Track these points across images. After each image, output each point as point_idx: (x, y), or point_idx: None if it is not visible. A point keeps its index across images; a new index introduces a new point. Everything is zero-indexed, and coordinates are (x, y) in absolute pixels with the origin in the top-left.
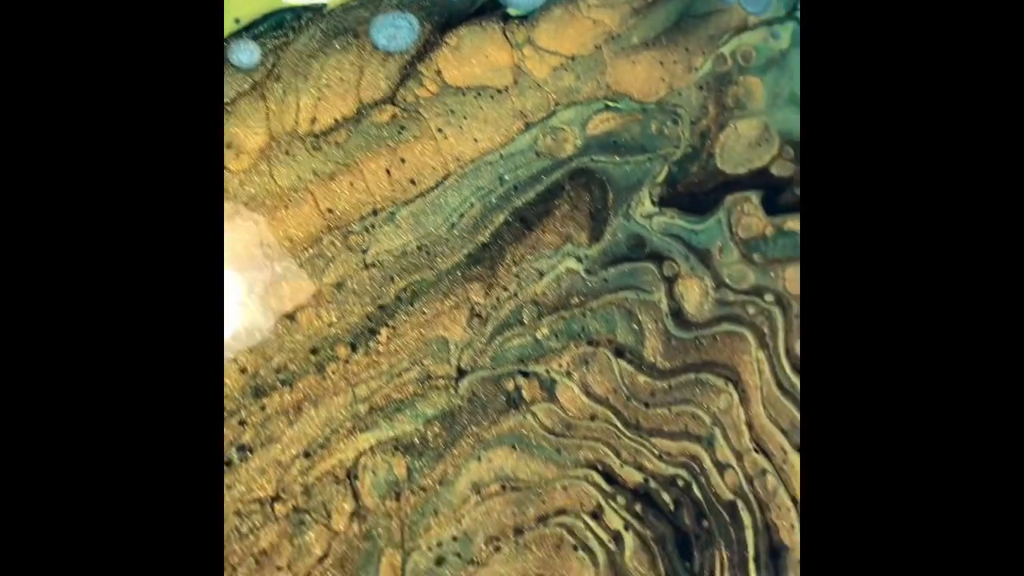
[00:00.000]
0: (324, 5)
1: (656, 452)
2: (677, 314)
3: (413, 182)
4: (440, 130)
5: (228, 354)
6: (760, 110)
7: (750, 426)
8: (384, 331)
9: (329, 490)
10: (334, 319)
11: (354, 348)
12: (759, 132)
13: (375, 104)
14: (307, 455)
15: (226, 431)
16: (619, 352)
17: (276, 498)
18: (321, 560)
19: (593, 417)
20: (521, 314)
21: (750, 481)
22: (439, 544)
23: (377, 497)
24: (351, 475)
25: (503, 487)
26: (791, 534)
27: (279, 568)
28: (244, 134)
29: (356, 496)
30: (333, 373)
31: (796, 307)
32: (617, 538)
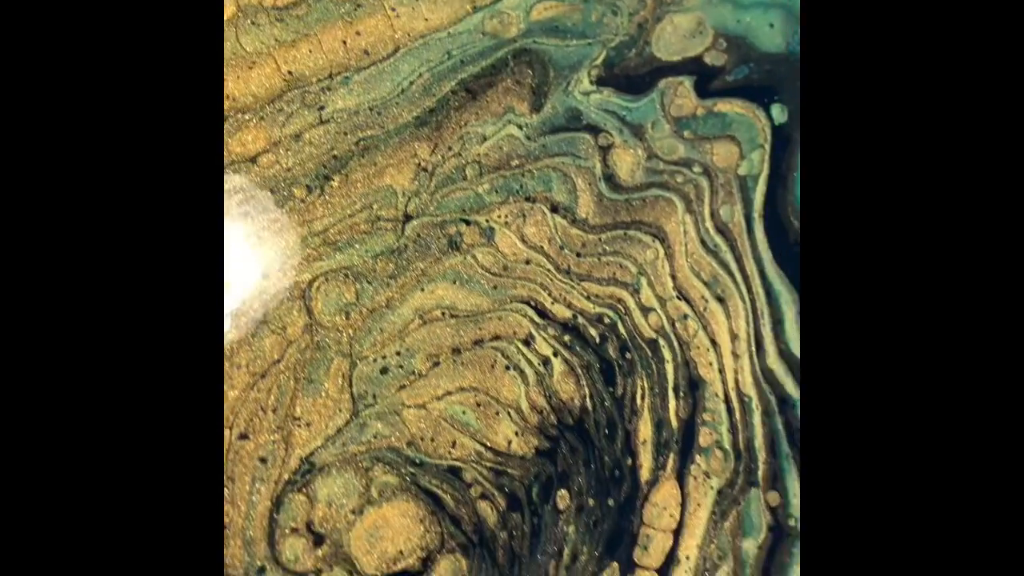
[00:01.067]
0: None
1: (585, 294)
2: (610, 179)
3: (367, 52)
4: (393, 9)
5: None
6: (696, 6)
7: (674, 277)
8: (337, 178)
9: (285, 306)
10: (291, 164)
11: (309, 190)
12: (694, 25)
13: None
14: (264, 276)
15: None
16: (554, 208)
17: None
18: (276, 363)
19: (528, 261)
20: (464, 171)
21: (672, 323)
22: (383, 357)
23: (328, 315)
24: (305, 295)
25: (443, 314)
26: (709, 370)
27: (238, 366)
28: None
29: (310, 312)
30: (290, 211)
31: (723, 178)
32: (546, 362)
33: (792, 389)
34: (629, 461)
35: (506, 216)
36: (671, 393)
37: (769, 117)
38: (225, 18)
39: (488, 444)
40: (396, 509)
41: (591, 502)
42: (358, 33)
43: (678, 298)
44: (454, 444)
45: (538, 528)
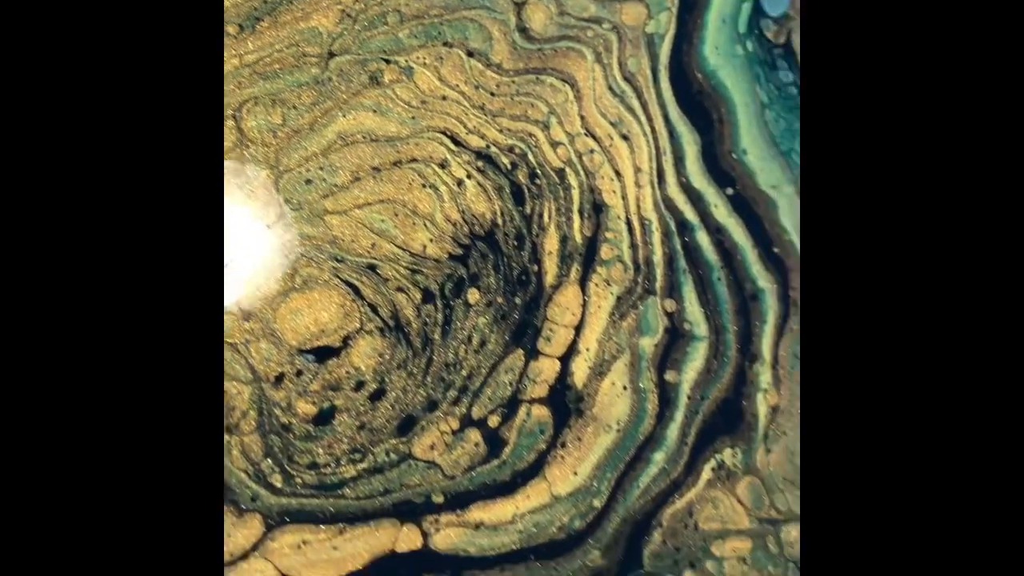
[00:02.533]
0: None
1: (498, 127)
2: (523, 31)
3: None
4: None
5: None
6: None
7: (582, 117)
8: (266, 19)
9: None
10: (227, 7)
11: (241, 29)
12: None
13: None
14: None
15: None
16: (470, 53)
17: None
18: None
19: (444, 98)
20: (386, 18)
21: (579, 156)
22: (308, 171)
23: (257, 133)
24: (236, 116)
25: (364, 138)
26: (612, 197)
27: None
28: None
29: (240, 130)
30: (225, 46)
31: (631, 35)
32: (460, 183)
33: (691, 216)
34: (535, 268)
35: (424, 58)
36: (576, 214)
37: None
38: None
39: (405, 247)
40: (319, 295)
41: (499, 299)
42: None
43: (585, 135)
44: (373, 246)
45: (449, 318)
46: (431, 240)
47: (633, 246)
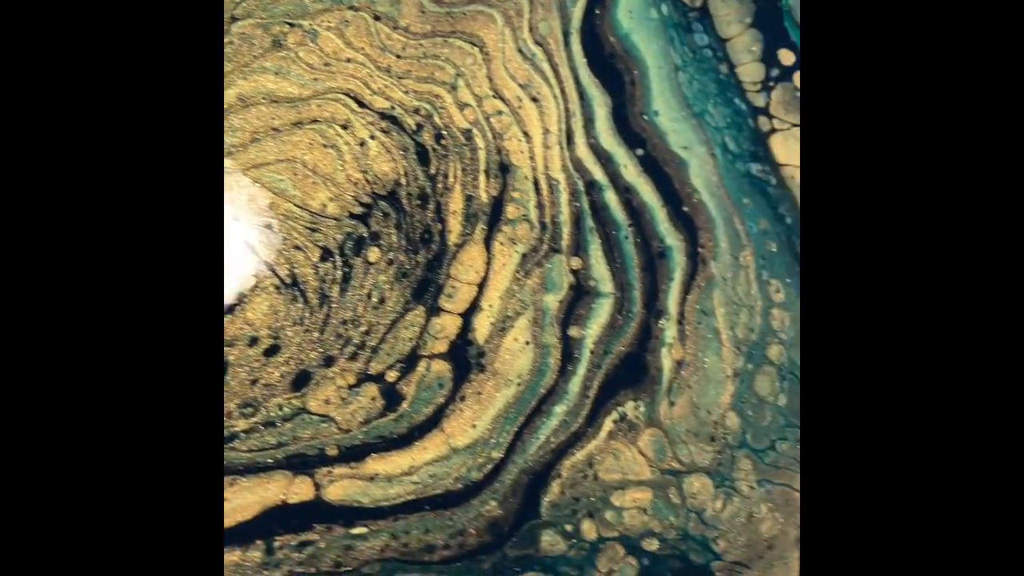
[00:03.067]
0: None
1: (403, 89)
2: None
3: None
4: None
5: None
6: None
7: (490, 79)
8: None
9: None
10: None
11: None
12: None
13: None
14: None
15: None
16: (377, 17)
17: None
18: None
19: (348, 60)
20: None
21: (487, 118)
22: None
23: None
24: None
25: (264, 99)
26: (520, 158)
27: None
28: None
29: None
30: None
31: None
32: (363, 143)
33: (600, 176)
34: (439, 227)
35: (329, 22)
36: (482, 174)
37: None
38: None
39: (304, 207)
40: None
41: (401, 258)
42: None
43: (494, 96)
44: (271, 205)
45: (348, 275)
46: (331, 199)
47: (540, 205)
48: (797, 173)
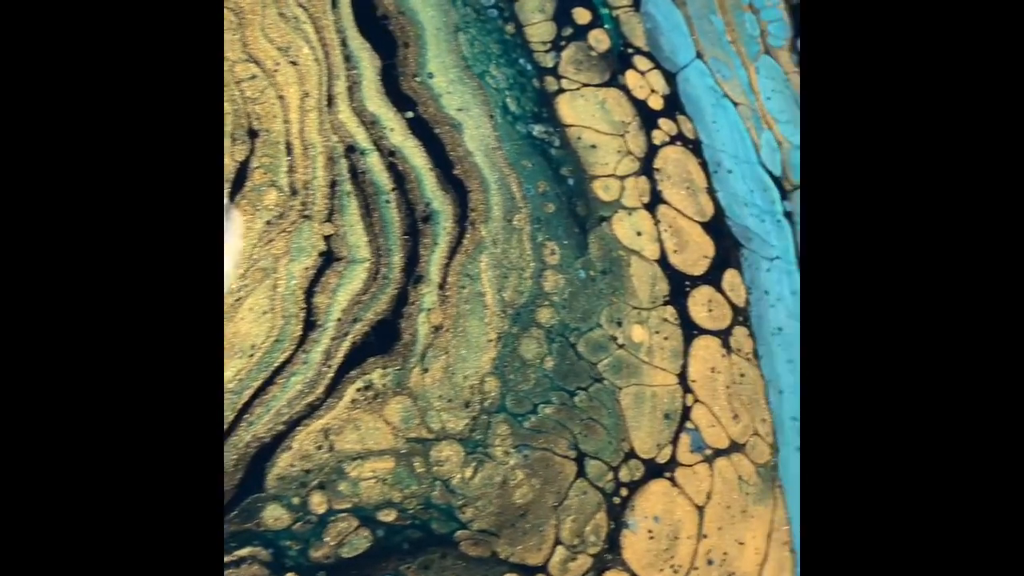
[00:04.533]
0: None
1: None
2: None
3: None
4: None
5: None
6: None
7: (244, 44)
8: None
9: None
10: None
11: None
12: None
13: None
14: None
15: None
16: None
17: None
18: None
19: None
20: None
21: (237, 82)
22: None
23: None
24: None
25: None
26: (273, 121)
27: None
28: None
29: None
30: None
31: None
32: None
33: (363, 139)
34: None
35: None
36: (228, 139)
37: None
38: None
39: None
40: None
41: None
42: None
43: (247, 60)
44: None
45: None
46: None
47: (291, 171)
48: (584, 133)
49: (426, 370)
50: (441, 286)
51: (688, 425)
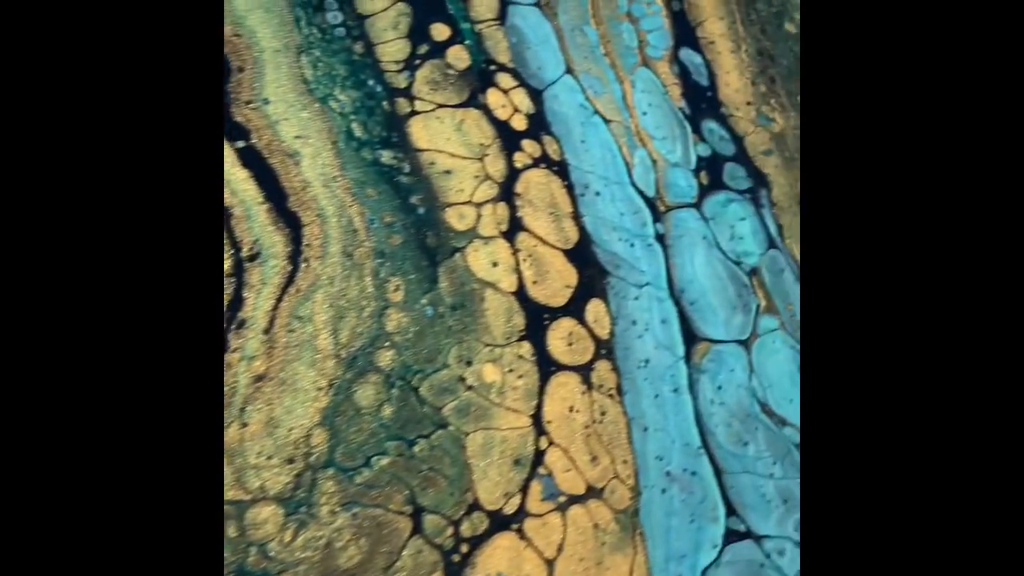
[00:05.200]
0: None
1: None
2: None
3: None
4: None
5: None
6: None
7: None
8: None
9: None
10: None
11: None
12: None
13: None
14: None
15: None
16: None
17: None
18: None
19: None
20: None
21: None
22: None
23: None
24: None
25: None
26: None
27: None
28: None
29: None
30: None
31: None
32: None
33: None
34: None
35: None
36: None
37: None
38: None
39: None
40: None
41: None
42: None
43: None
44: None
45: None
46: None
47: None
48: (438, 158)
49: (245, 425)
50: (267, 331)
51: (540, 471)
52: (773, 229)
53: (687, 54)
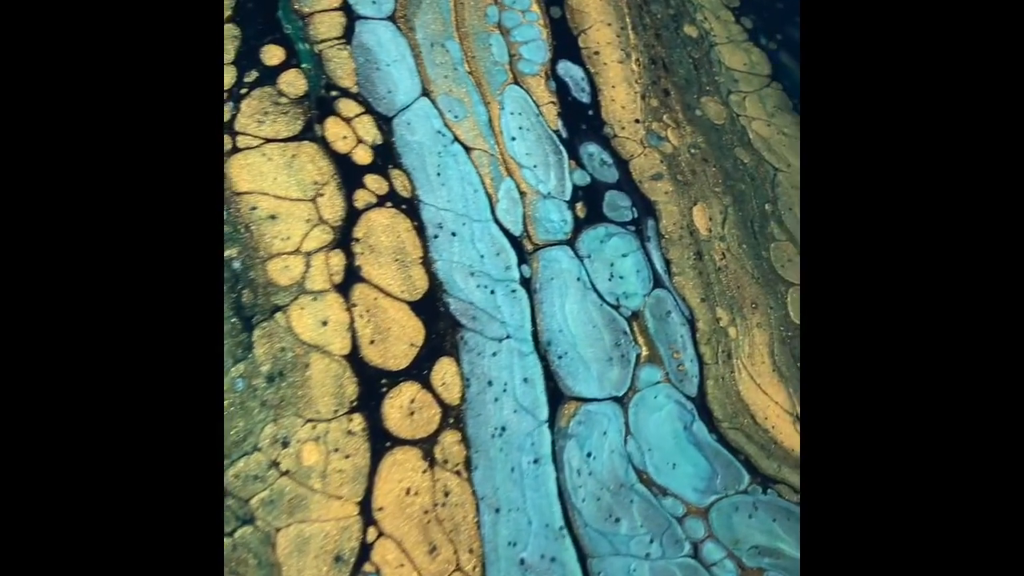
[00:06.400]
0: None
1: None
2: None
3: None
4: None
5: None
6: None
7: None
8: None
9: None
10: None
11: None
12: None
13: None
14: None
15: None
16: None
17: None
18: None
19: None
20: None
21: None
22: None
23: None
24: None
25: None
26: None
27: None
28: None
29: None
30: None
31: None
32: None
33: None
34: None
35: None
36: None
37: None
38: None
39: None
40: None
41: None
42: None
43: None
44: None
45: None
46: None
47: None
48: (261, 201)
49: None
50: None
51: (366, 568)
52: (660, 265)
53: (566, 67)
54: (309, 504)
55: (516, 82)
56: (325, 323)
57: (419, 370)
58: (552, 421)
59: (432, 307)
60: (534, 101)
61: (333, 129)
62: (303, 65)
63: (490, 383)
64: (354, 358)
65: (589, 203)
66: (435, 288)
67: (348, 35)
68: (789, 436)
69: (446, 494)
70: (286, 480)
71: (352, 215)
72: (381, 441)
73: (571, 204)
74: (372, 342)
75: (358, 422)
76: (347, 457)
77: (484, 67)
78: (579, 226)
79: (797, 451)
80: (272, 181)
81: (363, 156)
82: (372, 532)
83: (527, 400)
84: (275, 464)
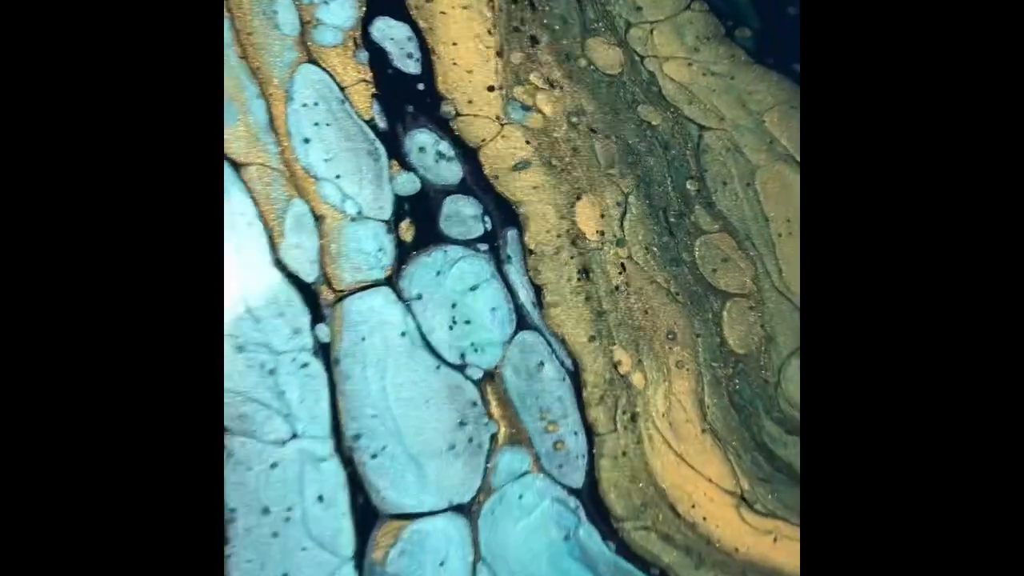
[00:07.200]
0: None
1: None
2: None
3: None
4: None
5: None
6: None
7: None
8: None
9: None
10: None
11: None
12: None
13: None
14: None
15: None
16: None
17: None
18: None
19: None
20: None
21: None
22: None
23: None
24: None
25: None
26: None
27: None
28: None
29: None
30: None
31: None
32: None
33: None
34: None
35: None
36: None
37: None
38: None
39: None
40: None
41: None
42: None
43: None
44: None
45: None
46: None
47: None
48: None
49: None
50: None
51: None
52: (526, 295)
53: (385, 27)
54: None
55: (311, 60)
56: None
57: None
58: (360, 557)
59: None
60: (337, 83)
61: None
62: None
63: (266, 511)
64: None
65: (419, 219)
66: None
67: None
68: (731, 528)
69: None
70: None
71: None
72: None
73: (393, 224)
74: None
75: None
76: None
77: (265, 47)
78: (404, 255)
79: (744, 550)
80: None
81: None
82: None
83: (322, 529)
84: None
